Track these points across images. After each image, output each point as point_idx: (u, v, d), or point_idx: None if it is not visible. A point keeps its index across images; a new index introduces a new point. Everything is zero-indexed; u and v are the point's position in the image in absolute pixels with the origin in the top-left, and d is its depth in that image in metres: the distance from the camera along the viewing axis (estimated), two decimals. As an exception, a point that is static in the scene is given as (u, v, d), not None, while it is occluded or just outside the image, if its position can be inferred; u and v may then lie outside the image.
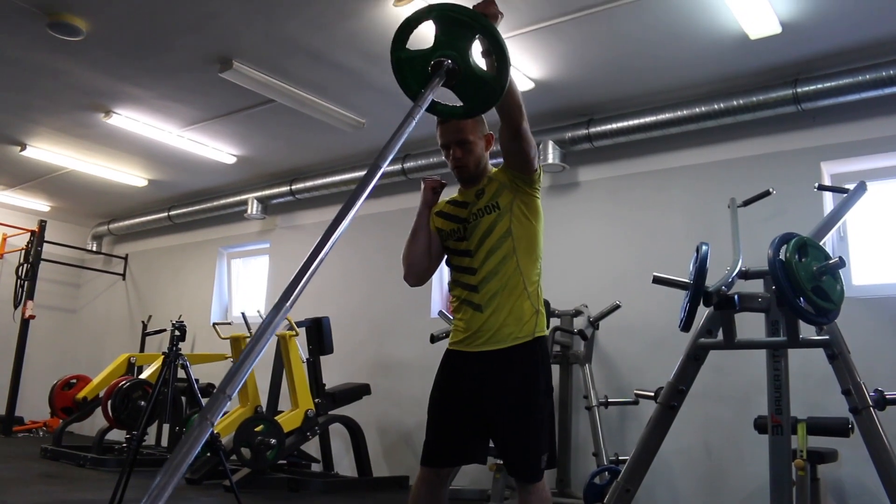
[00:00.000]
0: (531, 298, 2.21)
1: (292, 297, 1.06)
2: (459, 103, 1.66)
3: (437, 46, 1.57)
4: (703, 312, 2.93)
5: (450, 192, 2.36)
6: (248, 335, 5.64)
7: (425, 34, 1.56)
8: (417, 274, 2.35)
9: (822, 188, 3.70)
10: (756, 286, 3.11)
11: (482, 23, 1.58)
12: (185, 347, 4.56)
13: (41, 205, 8.45)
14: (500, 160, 2.30)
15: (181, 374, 4.19)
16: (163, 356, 4.02)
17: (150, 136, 5.84)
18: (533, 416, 2.13)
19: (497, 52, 1.62)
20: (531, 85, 4.57)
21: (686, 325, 2.77)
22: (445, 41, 1.56)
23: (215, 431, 3.89)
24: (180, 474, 0.88)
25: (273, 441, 4.66)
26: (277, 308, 1.05)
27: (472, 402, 2.17)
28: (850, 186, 3.34)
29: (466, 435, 2.21)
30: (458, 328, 2.27)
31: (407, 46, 1.60)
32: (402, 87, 1.62)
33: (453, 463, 2.29)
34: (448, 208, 2.36)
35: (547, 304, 3.59)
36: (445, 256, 2.37)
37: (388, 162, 1.31)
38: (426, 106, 1.48)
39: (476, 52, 1.64)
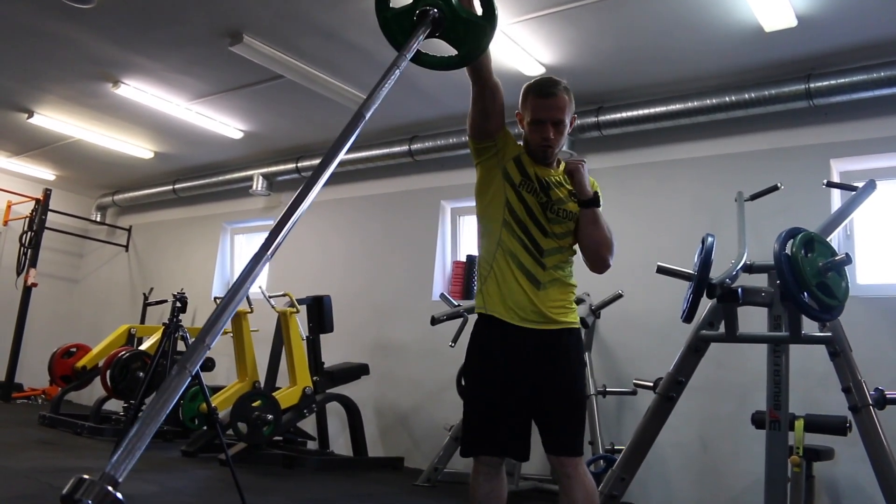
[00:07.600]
0: (573, 294, 2.30)
1: (274, 246, 1.10)
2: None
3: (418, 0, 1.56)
4: (705, 304, 2.92)
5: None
6: (250, 310, 5.65)
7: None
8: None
9: (830, 185, 3.67)
10: (760, 280, 3.11)
11: None
12: (185, 321, 4.55)
13: (46, 173, 8.44)
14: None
15: (181, 346, 4.20)
16: (163, 327, 4.03)
17: (158, 108, 5.81)
18: (581, 393, 2.22)
19: None
20: (542, 70, 4.53)
21: (688, 317, 2.77)
22: None
23: (213, 405, 3.90)
24: (157, 424, 0.87)
25: (270, 417, 4.67)
26: (257, 258, 1.08)
27: (525, 379, 2.14)
28: (860, 184, 3.32)
29: (522, 418, 2.16)
30: (503, 293, 2.19)
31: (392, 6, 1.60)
32: (394, 47, 1.63)
33: (513, 449, 2.16)
34: (535, 168, 2.25)
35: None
36: (506, 199, 2.21)
37: (371, 112, 1.33)
38: (412, 55, 1.49)
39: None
